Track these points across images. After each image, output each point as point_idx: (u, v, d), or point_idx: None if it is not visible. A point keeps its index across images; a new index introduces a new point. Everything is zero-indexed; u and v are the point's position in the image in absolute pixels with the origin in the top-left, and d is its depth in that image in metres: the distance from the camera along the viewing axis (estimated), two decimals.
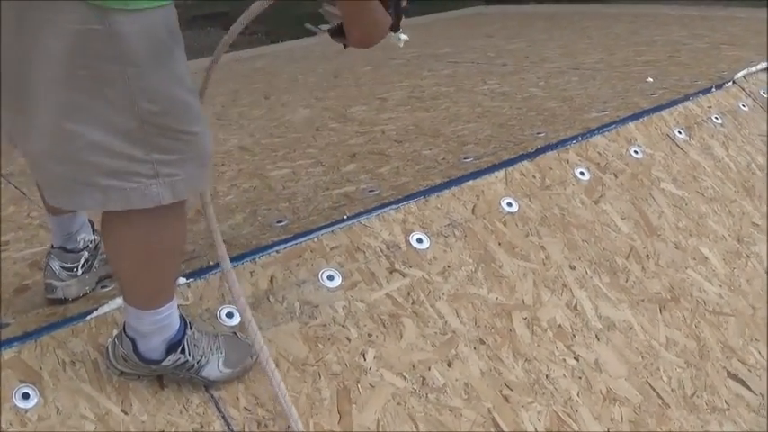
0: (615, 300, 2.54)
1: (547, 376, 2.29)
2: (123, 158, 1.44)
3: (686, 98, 3.57)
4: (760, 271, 2.91)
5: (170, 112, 1.45)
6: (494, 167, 2.80)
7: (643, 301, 2.58)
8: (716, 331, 2.61)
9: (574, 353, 2.36)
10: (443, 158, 3.04)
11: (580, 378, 2.31)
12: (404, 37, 1.76)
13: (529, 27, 6.83)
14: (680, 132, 3.34)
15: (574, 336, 2.40)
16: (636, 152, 3.12)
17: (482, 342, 2.29)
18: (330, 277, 2.27)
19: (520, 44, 5.86)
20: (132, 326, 1.72)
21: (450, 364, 2.21)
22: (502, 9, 8.13)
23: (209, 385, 1.88)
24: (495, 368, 2.25)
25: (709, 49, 4.89)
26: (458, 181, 2.73)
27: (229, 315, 2.06)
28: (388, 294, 2.29)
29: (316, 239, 2.36)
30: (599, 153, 3.04)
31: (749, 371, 2.56)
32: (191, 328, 1.79)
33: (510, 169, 2.80)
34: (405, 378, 2.11)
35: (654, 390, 2.38)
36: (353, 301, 2.24)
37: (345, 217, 2.46)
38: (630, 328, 2.49)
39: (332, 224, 2.43)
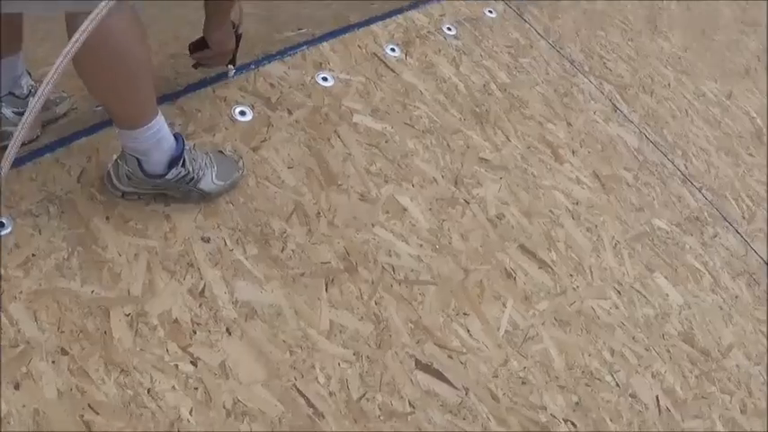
0: (262, 278, 2.20)
1: (149, 391, 1.95)
2: None
3: (413, 6, 3.24)
4: (481, 220, 2.62)
5: None
6: None
7: (303, 275, 2.25)
8: (405, 307, 2.31)
9: (191, 355, 2.02)
10: None
11: (196, 389, 1.97)
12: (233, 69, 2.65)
13: None
14: (393, 50, 3.02)
15: (195, 332, 2.06)
16: (325, 79, 2.78)
17: (64, 352, 1.94)
18: None
19: None
20: (131, 147, 2.05)
21: (17, 387, 1.86)
22: None
23: (204, 197, 2.26)
24: (79, 386, 1.90)
25: None
26: (68, 139, 2.37)
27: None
28: None
29: None
30: (272, 84, 2.69)
31: (450, 357, 2.27)
32: (187, 144, 2.14)
33: None
34: None
35: (303, 396, 2.06)
36: None
37: None
38: (279, 314, 2.16)
39: None
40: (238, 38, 2.46)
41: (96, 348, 1.97)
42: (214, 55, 2.42)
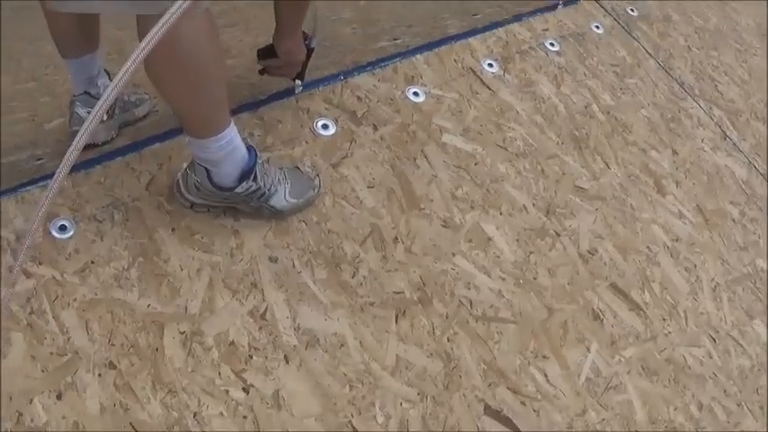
0: (328, 304, 2.08)
1: (195, 415, 1.85)
2: None
3: (515, 18, 3.07)
4: (572, 255, 2.45)
5: None
6: None
7: (372, 304, 2.12)
8: (480, 346, 2.16)
9: (244, 381, 1.91)
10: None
11: (245, 418, 1.86)
12: (300, 84, 2.49)
13: None
14: (490, 65, 2.86)
15: (251, 357, 1.94)
16: (416, 94, 2.64)
17: (112, 366, 1.86)
18: None
19: None
20: (201, 157, 1.95)
21: (60, 396, 1.79)
22: None
23: (276, 214, 2.14)
24: (123, 402, 1.82)
25: None
26: (141, 144, 2.29)
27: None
28: None
29: None
30: (359, 97, 2.56)
31: (522, 404, 2.11)
32: (260, 157, 2.03)
33: None
34: None
35: None
36: None
37: None
38: (342, 345, 2.03)
39: None
40: (310, 51, 2.33)
41: (146, 365, 1.88)
42: (282, 65, 2.31)
